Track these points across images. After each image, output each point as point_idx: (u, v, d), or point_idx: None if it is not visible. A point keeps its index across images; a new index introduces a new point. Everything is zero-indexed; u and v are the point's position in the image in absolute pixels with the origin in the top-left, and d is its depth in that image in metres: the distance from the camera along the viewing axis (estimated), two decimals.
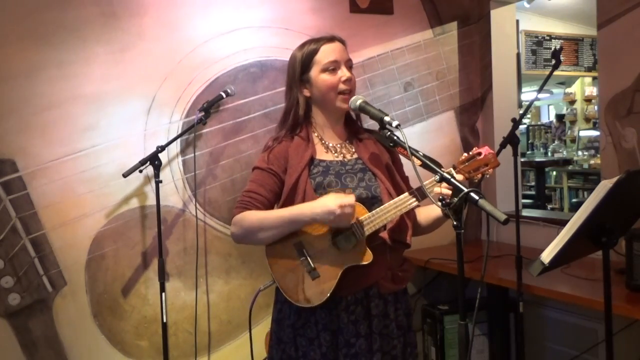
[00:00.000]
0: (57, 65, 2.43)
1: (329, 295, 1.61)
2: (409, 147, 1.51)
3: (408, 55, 3.17)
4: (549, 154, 7.42)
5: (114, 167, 2.51)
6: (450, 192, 1.52)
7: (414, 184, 1.68)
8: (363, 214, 1.63)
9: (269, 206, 1.72)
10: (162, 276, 2.43)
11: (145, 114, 2.59)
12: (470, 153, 1.60)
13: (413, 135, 3.14)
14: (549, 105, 10.62)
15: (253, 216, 1.67)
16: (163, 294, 2.42)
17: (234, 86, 2.65)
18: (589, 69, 6.37)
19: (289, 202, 1.67)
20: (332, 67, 1.71)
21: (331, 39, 1.75)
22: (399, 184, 1.76)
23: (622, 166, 2.63)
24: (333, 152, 1.77)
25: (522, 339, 2.55)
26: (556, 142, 7.90)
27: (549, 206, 6.76)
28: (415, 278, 3.20)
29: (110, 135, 2.52)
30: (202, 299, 2.71)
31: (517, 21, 3.62)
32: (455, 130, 3.34)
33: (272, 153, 1.73)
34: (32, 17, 2.38)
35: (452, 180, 1.45)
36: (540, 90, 2.78)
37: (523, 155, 7.00)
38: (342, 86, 1.71)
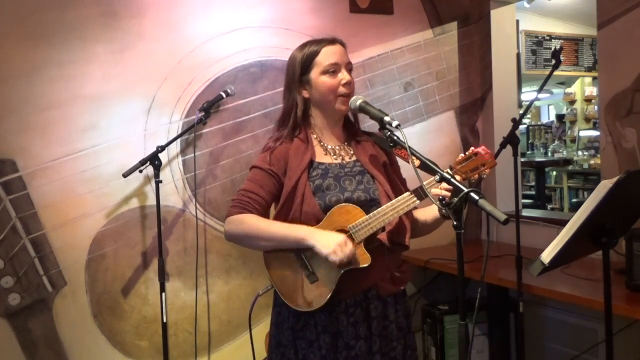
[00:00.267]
0: (57, 65, 2.43)
1: (327, 298, 1.61)
2: (409, 147, 1.51)
3: (408, 55, 3.17)
4: (549, 154, 7.42)
5: (114, 167, 2.51)
6: (449, 192, 1.52)
7: (412, 185, 1.68)
8: (360, 217, 1.62)
9: (267, 208, 1.71)
10: (162, 276, 2.43)
11: (145, 114, 2.59)
12: (467, 153, 1.60)
13: (413, 135, 3.14)
14: (549, 105, 10.62)
15: (253, 222, 1.66)
16: (163, 294, 2.42)
17: (234, 86, 2.65)
18: (589, 69, 6.36)
19: (288, 204, 1.67)
20: (333, 70, 1.70)
21: (332, 41, 1.74)
22: (397, 186, 1.76)
23: (622, 166, 2.62)
24: (332, 154, 1.76)
25: (522, 339, 2.55)
26: (556, 142, 7.90)
27: (549, 206, 6.76)
28: (415, 278, 3.20)
29: (110, 135, 2.52)
30: (202, 299, 2.71)
31: (517, 21, 3.62)
32: (455, 130, 3.34)
33: (273, 154, 1.72)
34: (32, 17, 2.39)
35: (452, 180, 1.45)
36: (540, 90, 2.78)
37: (523, 155, 6.99)
38: (342, 89, 1.70)
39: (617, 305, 1.83)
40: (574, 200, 6.50)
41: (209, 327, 2.73)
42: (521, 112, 3.40)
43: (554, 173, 7.10)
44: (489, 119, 3.39)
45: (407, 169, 1.74)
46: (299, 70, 1.73)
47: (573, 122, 8.07)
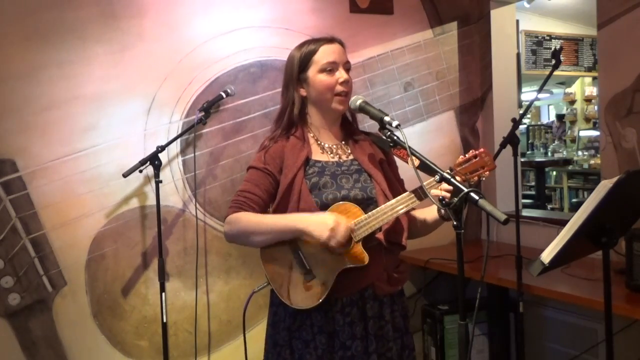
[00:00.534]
0: (57, 65, 2.43)
1: (324, 297, 1.60)
2: (409, 147, 1.51)
3: (408, 55, 3.17)
4: (549, 154, 7.42)
5: (114, 167, 2.51)
6: (448, 193, 1.52)
7: (409, 186, 1.68)
8: (359, 216, 1.62)
9: (264, 206, 1.71)
10: (162, 276, 2.43)
11: (145, 114, 2.59)
12: (467, 155, 1.60)
13: (413, 135, 3.14)
14: (549, 105, 10.62)
15: (249, 218, 1.66)
16: (163, 294, 2.42)
17: (234, 86, 2.65)
18: (589, 69, 6.36)
19: (284, 202, 1.67)
20: (330, 68, 1.70)
21: (331, 40, 1.75)
22: (395, 185, 1.76)
23: (622, 166, 2.62)
24: (329, 152, 1.76)
25: (522, 339, 2.55)
26: (556, 142, 7.90)
27: (549, 206, 6.76)
28: (415, 278, 3.20)
29: (110, 135, 2.52)
30: (202, 299, 2.71)
31: (517, 21, 3.62)
32: (455, 130, 3.34)
33: (268, 153, 1.72)
34: (32, 17, 2.39)
35: (452, 180, 1.45)
36: (540, 90, 2.78)
37: (523, 155, 7.00)
38: (339, 87, 1.70)
39: (617, 305, 1.83)
40: (574, 200, 6.50)
41: (209, 327, 2.73)
42: (521, 112, 3.40)
43: (554, 173, 7.10)
44: (489, 119, 3.39)
45: (405, 170, 1.74)
46: (297, 68, 1.74)
47: (573, 122, 8.07)
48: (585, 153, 6.84)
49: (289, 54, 1.79)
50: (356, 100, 1.68)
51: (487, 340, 3.01)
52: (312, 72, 1.72)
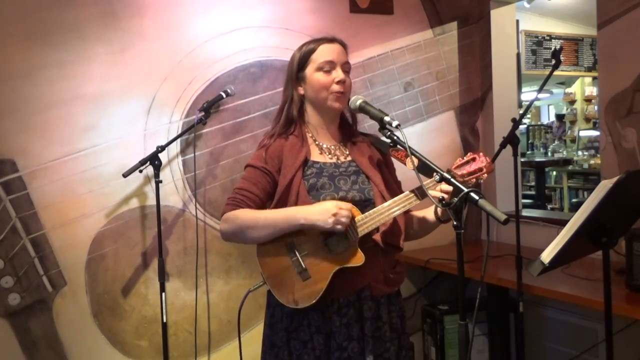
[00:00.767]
0: (57, 65, 2.43)
1: (319, 297, 1.60)
2: (409, 147, 1.51)
3: (408, 55, 3.17)
4: (549, 154, 7.42)
5: (114, 167, 2.51)
6: (447, 194, 1.52)
7: (407, 187, 1.69)
8: (356, 216, 1.62)
9: (261, 205, 1.71)
10: (162, 276, 2.43)
11: (145, 114, 2.59)
12: (465, 158, 1.60)
13: (413, 135, 3.14)
14: (549, 105, 10.63)
15: (246, 214, 1.66)
16: (163, 294, 2.42)
17: (234, 86, 2.65)
18: (589, 69, 6.36)
19: (282, 202, 1.67)
20: (327, 67, 1.70)
21: (332, 40, 1.75)
22: (392, 187, 1.76)
23: (622, 166, 2.62)
24: (327, 153, 1.76)
25: (522, 339, 2.55)
26: (556, 142, 7.91)
27: (549, 206, 6.76)
28: (415, 278, 3.20)
29: (110, 135, 2.52)
30: (202, 299, 2.71)
31: (517, 21, 3.62)
32: (455, 130, 3.34)
33: (268, 152, 1.72)
34: (32, 17, 2.38)
35: (452, 180, 1.45)
36: (540, 90, 2.78)
37: (523, 155, 6.99)
38: (335, 87, 1.70)
39: (617, 305, 1.83)
40: (574, 200, 6.50)
41: (209, 327, 2.73)
42: (521, 112, 3.40)
43: (554, 173, 7.10)
44: (489, 119, 3.39)
45: (403, 171, 1.75)
46: (296, 66, 1.75)
47: (573, 122, 8.07)
48: (585, 153, 6.84)
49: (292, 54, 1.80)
50: (356, 100, 1.68)
51: (487, 340, 3.01)
52: (309, 71, 1.72)
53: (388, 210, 1.62)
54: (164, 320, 2.43)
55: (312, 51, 1.72)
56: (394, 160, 1.74)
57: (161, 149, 2.42)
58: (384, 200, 1.66)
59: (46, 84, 2.41)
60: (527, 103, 2.92)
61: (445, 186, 1.51)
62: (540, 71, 5.86)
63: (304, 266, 1.62)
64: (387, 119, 1.57)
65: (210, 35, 2.70)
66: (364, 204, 1.68)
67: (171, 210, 2.65)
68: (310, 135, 1.77)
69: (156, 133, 2.59)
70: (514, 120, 2.43)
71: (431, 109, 3.25)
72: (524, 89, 6.66)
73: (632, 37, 2.56)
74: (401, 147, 1.59)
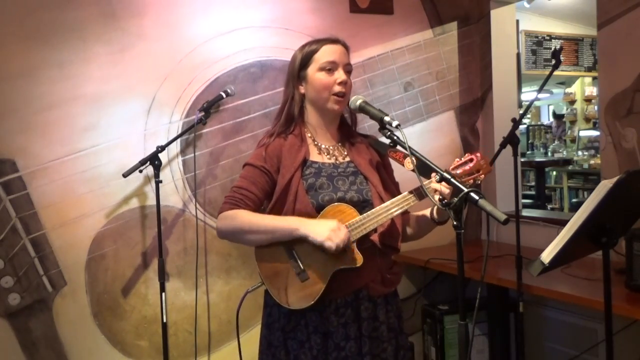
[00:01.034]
0: (57, 65, 2.43)
1: (317, 298, 1.60)
2: (409, 147, 1.51)
3: (408, 55, 3.17)
4: (549, 154, 7.42)
5: (114, 167, 2.51)
6: (447, 190, 1.52)
7: (404, 188, 1.69)
8: (354, 217, 1.62)
9: (259, 204, 1.71)
10: (162, 276, 2.43)
11: (145, 114, 2.59)
12: (463, 159, 1.60)
13: (413, 135, 3.14)
14: (549, 105, 10.61)
15: (244, 217, 1.66)
16: (163, 294, 2.42)
17: (234, 86, 2.65)
18: (589, 69, 6.37)
19: (281, 202, 1.67)
20: (329, 67, 1.70)
21: (335, 40, 1.75)
22: (390, 188, 1.76)
23: (622, 166, 2.62)
24: (326, 154, 1.76)
25: (522, 339, 2.55)
26: (556, 142, 7.91)
27: (549, 206, 6.76)
28: (415, 278, 3.20)
29: (110, 135, 2.52)
30: (202, 299, 2.71)
31: (517, 21, 3.62)
32: (455, 130, 3.34)
33: (266, 151, 1.72)
34: (32, 17, 2.38)
35: (452, 180, 1.45)
36: (540, 90, 2.78)
37: (523, 155, 7.00)
38: (336, 87, 1.70)
39: (617, 305, 1.83)
40: (574, 200, 6.50)
41: (209, 327, 2.73)
42: (521, 112, 3.40)
43: (554, 173, 7.10)
44: (489, 119, 3.39)
45: (401, 172, 1.75)
46: (298, 65, 1.74)
47: (573, 122, 8.07)
48: (585, 153, 6.84)
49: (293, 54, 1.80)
50: (356, 100, 1.68)
51: (487, 340, 3.01)
52: (311, 70, 1.72)
53: (386, 211, 1.62)
54: (164, 320, 2.43)
55: (315, 51, 1.72)
56: (392, 161, 1.74)
57: (161, 149, 2.42)
58: (382, 201, 1.66)
59: (46, 84, 2.41)
60: (527, 103, 2.92)
61: (436, 185, 1.51)
62: (540, 71, 5.86)
63: (302, 267, 1.62)
64: (387, 119, 1.58)
65: (210, 35, 2.70)
66: (362, 205, 1.68)
67: (171, 210, 2.65)
68: (309, 135, 1.77)
69: (156, 133, 2.59)
70: (514, 120, 2.43)
71: (431, 109, 3.25)
72: (524, 89, 6.66)
73: (632, 37, 2.56)
74: (400, 148, 1.59)
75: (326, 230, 1.54)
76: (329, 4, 2.96)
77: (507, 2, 3.41)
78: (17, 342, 2.39)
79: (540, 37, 5.84)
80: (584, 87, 7.77)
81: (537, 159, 6.82)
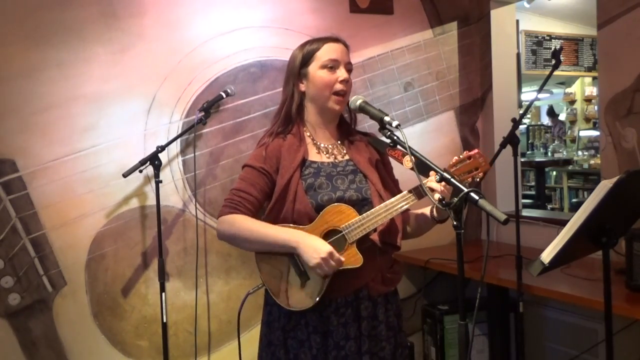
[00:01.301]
0: (57, 65, 2.43)
1: (318, 298, 1.61)
2: (409, 147, 1.51)
3: (408, 55, 3.17)
4: (549, 154, 7.43)
5: (114, 167, 2.51)
6: (447, 190, 1.52)
7: (404, 186, 1.69)
8: (353, 217, 1.62)
9: (258, 207, 1.71)
10: (162, 276, 2.43)
11: (145, 114, 2.59)
12: (461, 157, 1.60)
13: (413, 135, 3.14)
14: (549, 105, 10.62)
15: (243, 223, 1.66)
16: (163, 294, 2.42)
17: (234, 86, 2.65)
18: (589, 69, 6.37)
19: (280, 203, 1.67)
20: (331, 65, 1.71)
21: (336, 39, 1.75)
22: (390, 186, 1.76)
23: (622, 166, 2.62)
24: (324, 153, 1.76)
25: (522, 339, 2.55)
26: (556, 142, 7.91)
27: (549, 206, 6.76)
28: (415, 278, 3.20)
29: (110, 135, 2.52)
30: (202, 299, 2.71)
31: (517, 21, 3.62)
32: (455, 130, 3.34)
33: (266, 151, 1.72)
34: (33, 17, 2.38)
35: (452, 180, 1.45)
36: (540, 90, 2.78)
37: (523, 155, 7.00)
38: (338, 86, 1.70)
39: (617, 305, 1.83)
40: (574, 200, 6.50)
41: (209, 327, 2.73)
42: (521, 112, 3.40)
43: (554, 173, 7.10)
44: (489, 119, 3.39)
45: (400, 171, 1.75)
46: (299, 63, 1.74)
47: (573, 122, 8.07)
48: (585, 153, 6.84)
49: (291, 52, 1.79)
50: (356, 100, 1.69)
51: (487, 340, 3.01)
52: (313, 68, 1.72)
53: (386, 211, 1.62)
54: (164, 320, 2.43)
55: (317, 49, 1.72)
56: (391, 159, 1.75)
57: (161, 149, 2.42)
58: (381, 199, 1.66)
59: (46, 84, 2.41)
60: (527, 103, 2.92)
61: (435, 184, 1.51)
62: (540, 71, 5.87)
63: (302, 269, 1.63)
64: (387, 119, 1.58)
65: (210, 35, 2.70)
66: (362, 204, 1.68)
67: (171, 210, 2.65)
68: (308, 134, 1.77)
69: (156, 133, 2.59)
70: (514, 120, 2.43)
71: (431, 109, 3.25)
72: (524, 89, 6.66)
73: (632, 37, 2.56)
74: (399, 147, 1.59)
75: (318, 257, 1.55)
76: (329, 4, 2.96)
77: (507, 2, 3.41)
78: (17, 342, 2.39)
79: (540, 37, 5.85)
80: (584, 87, 7.77)
81: (537, 159, 6.82)
